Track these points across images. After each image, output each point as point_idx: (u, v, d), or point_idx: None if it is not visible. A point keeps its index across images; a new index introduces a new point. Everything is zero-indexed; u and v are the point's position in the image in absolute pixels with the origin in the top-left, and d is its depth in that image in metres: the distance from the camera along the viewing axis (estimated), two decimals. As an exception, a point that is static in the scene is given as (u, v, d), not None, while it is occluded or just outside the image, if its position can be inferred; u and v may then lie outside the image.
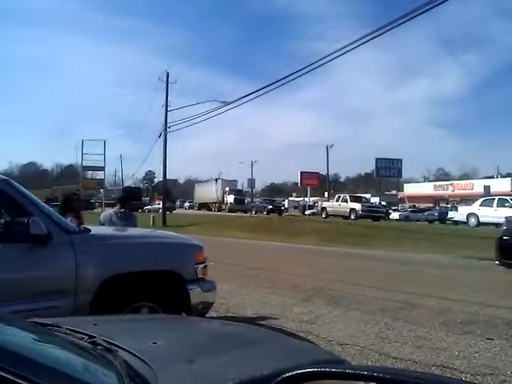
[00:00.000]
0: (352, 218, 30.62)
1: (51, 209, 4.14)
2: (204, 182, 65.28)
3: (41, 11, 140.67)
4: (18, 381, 0.93)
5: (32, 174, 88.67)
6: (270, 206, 45.76)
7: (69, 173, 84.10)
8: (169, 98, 35.07)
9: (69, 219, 4.41)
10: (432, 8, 14.13)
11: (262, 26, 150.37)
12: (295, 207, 60.34)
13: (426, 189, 64.89)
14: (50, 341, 1.38)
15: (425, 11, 14.29)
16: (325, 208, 35.15)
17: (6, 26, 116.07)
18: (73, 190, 23.94)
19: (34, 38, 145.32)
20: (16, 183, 3.84)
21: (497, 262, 10.67)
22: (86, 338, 1.52)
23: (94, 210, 37.91)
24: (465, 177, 69.54)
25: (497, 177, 61.12)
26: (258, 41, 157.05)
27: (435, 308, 6.71)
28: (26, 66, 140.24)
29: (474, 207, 25.36)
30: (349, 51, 17.46)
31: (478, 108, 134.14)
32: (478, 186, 49.54)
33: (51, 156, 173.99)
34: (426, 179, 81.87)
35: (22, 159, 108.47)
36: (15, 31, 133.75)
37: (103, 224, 6.50)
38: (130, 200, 7.48)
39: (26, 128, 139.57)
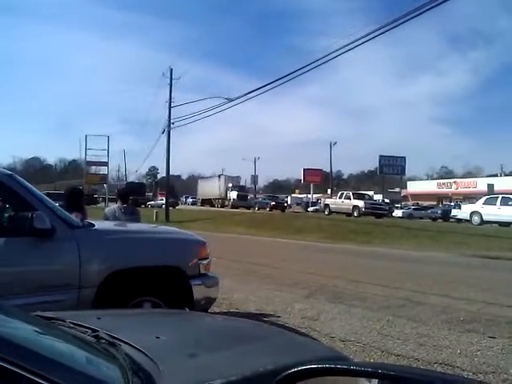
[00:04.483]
0: (355, 215, 30.58)
1: (55, 203, 4.15)
2: (207, 178, 65.25)
3: (43, 6, 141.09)
4: (22, 373, 0.93)
5: (35, 169, 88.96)
6: (273, 203, 45.81)
7: (72, 168, 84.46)
8: (173, 94, 35.08)
9: (73, 214, 4.42)
10: (438, 5, 13.99)
11: (266, 21, 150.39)
12: (298, 204, 60.37)
13: (430, 187, 64.76)
14: (53, 334, 1.38)
15: (431, 8, 14.15)
16: (328, 205, 35.15)
17: (10, 21, 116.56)
18: (75, 184, 23.96)
19: (36, 33, 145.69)
20: (20, 178, 3.86)
21: None
22: (90, 331, 1.52)
23: (98, 205, 38.04)
24: (468, 175, 69.32)
25: (500, 175, 61.00)
26: (262, 36, 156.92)
27: (438, 306, 6.70)
28: (29, 60, 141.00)
29: (478, 205, 25.28)
30: (353, 48, 17.31)
31: (483, 106, 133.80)
32: (481, 184, 49.41)
33: (55, 151, 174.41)
34: (429, 177, 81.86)
35: (25, 154, 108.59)
36: (17, 26, 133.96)
37: (107, 219, 6.50)
38: (130, 195, 7.47)
39: (29, 123, 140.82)
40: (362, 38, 16.72)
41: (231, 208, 45.65)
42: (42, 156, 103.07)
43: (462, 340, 5.02)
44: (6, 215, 3.81)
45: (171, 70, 35.19)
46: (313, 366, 1.00)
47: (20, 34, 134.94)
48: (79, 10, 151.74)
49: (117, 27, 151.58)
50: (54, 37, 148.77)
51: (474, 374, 4.02)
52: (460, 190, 58.38)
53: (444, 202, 55.08)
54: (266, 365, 1.37)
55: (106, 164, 42.34)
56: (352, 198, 32.73)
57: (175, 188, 65.43)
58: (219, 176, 56.11)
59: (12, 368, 0.93)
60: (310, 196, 57.45)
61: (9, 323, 1.31)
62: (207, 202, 54.79)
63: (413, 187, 66.41)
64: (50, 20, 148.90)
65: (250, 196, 49.90)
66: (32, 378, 0.94)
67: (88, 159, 41.90)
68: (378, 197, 50.33)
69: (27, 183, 3.89)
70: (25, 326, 1.35)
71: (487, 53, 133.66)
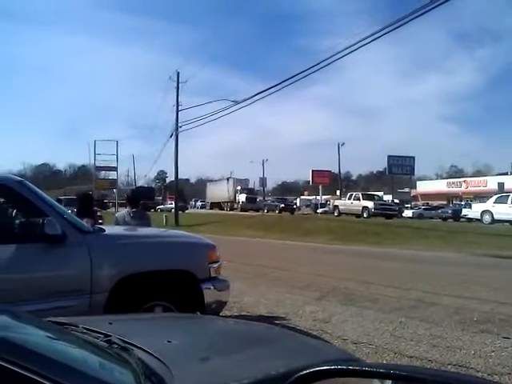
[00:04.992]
0: (364, 216, 30.45)
1: (65, 209, 4.17)
2: (216, 181, 65.40)
3: (50, 12, 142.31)
4: (37, 379, 0.94)
5: (45, 175, 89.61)
6: (282, 205, 45.73)
7: (82, 173, 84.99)
8: (180, 98, 35.24)
9: (84, 220, 4.44)
10: (443, 3, 13.92)
11: (273, 23, 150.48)
12: (307, 206, 60.20)
13: (439, 186, 64.33)
14: (66, 340, 1.39)
15: (436, 6, 14.08)
16: (337, 206, 35.01)
17: (18, 27, 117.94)
18: (85, 190, 24.05)
19: (43, 38, 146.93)
20: (30, 184, 3.89)
21: None
22: (102, 336, 1.53)
23: (108, 210, 38.20)
24: (478, 174, 68.76)
25: (511, 173, 60.33)
26: (268, 38, 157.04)
27: (451, 306, 6.65)
28: (37, 67, 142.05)
29: (489, 204, 25.08)
30: (359, 48, 17.28)
31: (491, 104, 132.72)
32: (491, 182, 48.99)
33: (64, 156, 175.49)
34: (439, 176, 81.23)
35: (35, 160, 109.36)
36: (24, 32, 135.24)
37: (118, 224, 6.53)
38: (139, 199, 7.50)
39: (38, 129, 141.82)
40: (368, 37, 16.73)
41: (240, 211, 45.68)
42: (51, 162, 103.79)
43: (475, 341, 4.97)
44: (17, 221, 3.85)
45: (178, 73, 35.39)
46: (325, 368, 1.00)
47: (23, 40, 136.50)
48: (88, 16, 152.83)
49: (125, 32, 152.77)
50: (61, 42, 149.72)
51: (488, 375, 3.98)
52: (470, 189, 57.89)
53: (454, 202, 54.61)
54: (278, 368, 1.36)
55: (115, 169, 42.48)
56: (361, 198, 32.61)
57: (184, 192, 65.72)
58: (228, 179, 56.21)
59: (26, 374, 0.94)
60: (318, 197, 57.25)
61: (22, 329, 1.32)
62: (216, 205, 54.90)
63: (422, 187, 65.99)
64: (56, 25, 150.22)
65: (259, 198, 50.01)
66: (46, 383, 0.94)
67: (97, 164, 42.06)
68: (388, 197, 49.98)
69: (37, 189, 3.92)
70: (38, 332, 1.36)
71: (495, 50, 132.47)
